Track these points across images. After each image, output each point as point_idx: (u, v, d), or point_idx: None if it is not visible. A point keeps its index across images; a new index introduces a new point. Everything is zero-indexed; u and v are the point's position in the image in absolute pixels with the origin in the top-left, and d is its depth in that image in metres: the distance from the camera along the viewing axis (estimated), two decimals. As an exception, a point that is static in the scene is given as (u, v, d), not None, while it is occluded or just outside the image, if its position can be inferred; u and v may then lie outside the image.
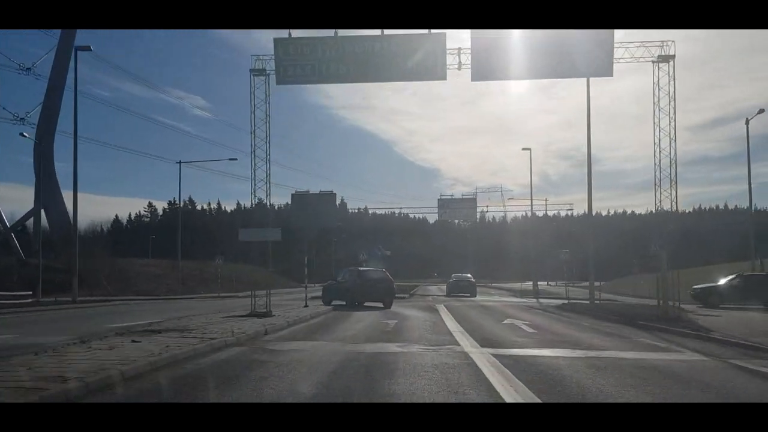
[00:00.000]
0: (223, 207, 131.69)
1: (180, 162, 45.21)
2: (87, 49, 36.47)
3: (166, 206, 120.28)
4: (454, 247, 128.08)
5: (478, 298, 39.35)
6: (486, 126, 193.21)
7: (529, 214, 54.60)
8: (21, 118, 63.25)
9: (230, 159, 48.72)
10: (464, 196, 60.27)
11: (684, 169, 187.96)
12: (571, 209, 75.73)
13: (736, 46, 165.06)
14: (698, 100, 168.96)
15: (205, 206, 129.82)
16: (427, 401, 7.30)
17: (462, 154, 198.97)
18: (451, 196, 59.48)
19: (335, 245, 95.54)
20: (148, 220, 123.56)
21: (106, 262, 51.26)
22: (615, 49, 21.37)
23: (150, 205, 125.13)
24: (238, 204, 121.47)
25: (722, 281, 30.14)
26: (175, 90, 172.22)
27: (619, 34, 21.77)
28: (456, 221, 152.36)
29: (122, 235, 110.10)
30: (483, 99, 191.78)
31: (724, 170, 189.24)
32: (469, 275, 47.89)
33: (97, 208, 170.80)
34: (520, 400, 7.34)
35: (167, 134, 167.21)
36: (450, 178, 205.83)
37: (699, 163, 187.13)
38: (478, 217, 65.82)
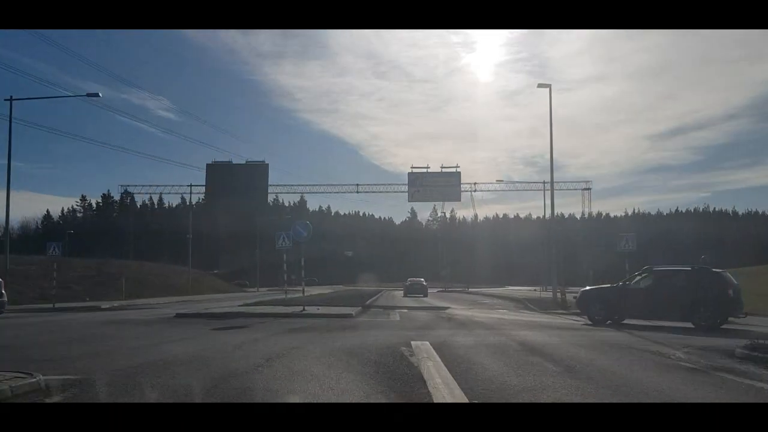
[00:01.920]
0: (166, 203, 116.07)
1: (11, 98, 29.95)
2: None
3: (99, 200, 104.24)
4: (422, 249, 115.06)
5: (470, 313, 23.98)
6: (450, 132, 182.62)
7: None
8: None
9: (90, 95, 30.50)
10: (444, 169, 43.81)
11: (643, 177, 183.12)
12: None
13: (691, 55, 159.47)
14: (656, 109, 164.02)
15: (147, 201, 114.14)
16: None
17: (427, 159, 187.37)
18: (427, 168, 43.24)
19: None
20: (81, 215, 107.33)
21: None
22: None
23: (83, 198, 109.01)
24: (183, 199, 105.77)
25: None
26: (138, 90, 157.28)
27: None
28: (427, 219, 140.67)
29: (53, 233, 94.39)
30: (448, 105, 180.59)
31: (681, 179, 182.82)
32: (422, 279, 48.82)
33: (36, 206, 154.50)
34: None
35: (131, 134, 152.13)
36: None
37: (658, 171, 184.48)
38: (475, 193, 47.52)
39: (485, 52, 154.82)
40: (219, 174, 39.45)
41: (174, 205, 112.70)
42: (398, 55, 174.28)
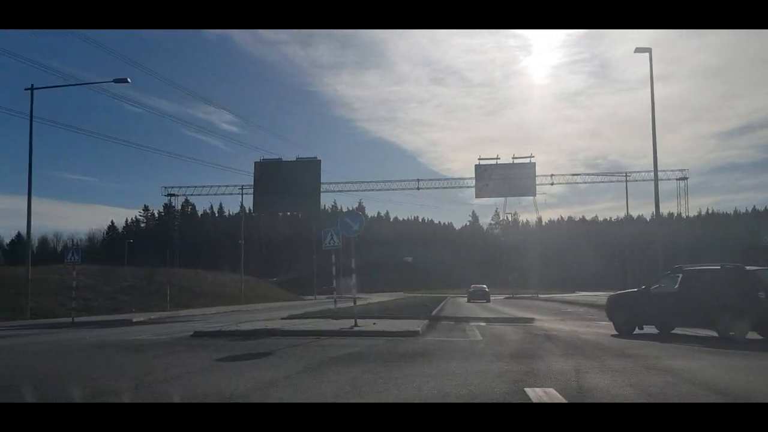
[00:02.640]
0: (227, 211, 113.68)
1: (32, 87, 26.19)
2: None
3: (161, 210, 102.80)
4: (484, 254, 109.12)
5: (568, 328, 18.40)
6: (508, 135, 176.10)
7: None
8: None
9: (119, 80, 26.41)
10: (516, 160, 37.81)
11: (710, 177, 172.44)
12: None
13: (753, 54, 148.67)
14: (721, 108, 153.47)
15: (208, 210, 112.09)
16: None
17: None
18: (497, 159, 36.98)
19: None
20: (144, 225, 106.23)
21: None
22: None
23: (146, 209, 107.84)
24: (242, 207, 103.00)
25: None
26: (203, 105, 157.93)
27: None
28: (489, 223, 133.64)
29: (116, 243, 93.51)
30: (506, 109, 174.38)
31: (750, 178, 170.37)
32: (484, 285, 49.82)
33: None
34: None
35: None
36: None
37: (725, 170, 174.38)
38: (537, 196, 40.33)
39: (543, 55, 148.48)
40: (268, 172, 35.21)
41: (233, 213, 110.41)
42: (455, 61, 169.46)
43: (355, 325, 15.55)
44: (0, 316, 26.34)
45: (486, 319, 21.59)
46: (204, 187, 43.12)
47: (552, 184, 40.56)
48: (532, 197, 41.89)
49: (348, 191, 41.78)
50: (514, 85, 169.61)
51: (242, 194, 40.15)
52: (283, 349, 11.48)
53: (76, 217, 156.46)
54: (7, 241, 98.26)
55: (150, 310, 37.23)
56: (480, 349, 11.70)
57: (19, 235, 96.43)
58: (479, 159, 36.12)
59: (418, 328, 15.32)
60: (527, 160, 36.59)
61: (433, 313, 23.76)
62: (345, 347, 11.73)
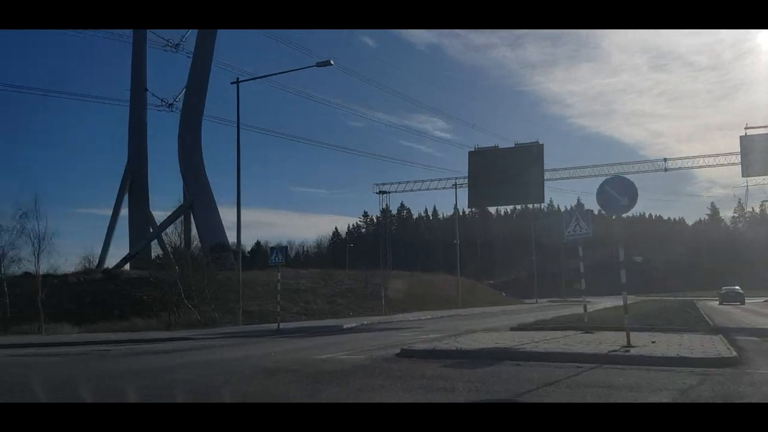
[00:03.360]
0: (441, 214, 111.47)
1: (237, 81, 24.10)
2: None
3: (378, 215, 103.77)
4: (726, 251, 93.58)
5: None
6: (743, 120, 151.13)
7: None
8: (169, 104, 49.26)
9: (321, 64, 23.27)
10: None
11: None
12: None
13: None
14: None
15: (422, 213, 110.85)
16: None
17: (717, 151, 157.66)
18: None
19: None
20: (364, 230, 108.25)
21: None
22: None
23: (365, 215, 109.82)
24: (456, 209, 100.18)
25: None
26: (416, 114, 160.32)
27: None
28: (731, 216, 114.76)
29: (338, 249, 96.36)
30: (739, 92, 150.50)
31: None
32: (737, 287, 47.36)
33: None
34: None
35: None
36: (705, 180, 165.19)
37: None
38: None
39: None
40: (484, 161, 30.79)
41: (447, 216, 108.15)
42: (678, 45, 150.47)
43: (628, 345, 10.24)
44: (216, 319, 25.24)
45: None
46: (416, 182, 40.13)
47: None
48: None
49: (575, 177, 35.50)
50: (748, 65, 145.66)
51: (456, 188, 36.26)
52: (531, 392, 6.83)
53: (306, 226, 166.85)
54: (248, 249, 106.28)
55: (365, 313, 34.88)
56: None
57: (258, 243, 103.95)
58: (746, 127, 27.97)
59: (733, 353, 9.62)
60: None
61: (714, 323, 17.32)
62: (638, 390, 6.72)
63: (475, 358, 9.73)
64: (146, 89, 48.10)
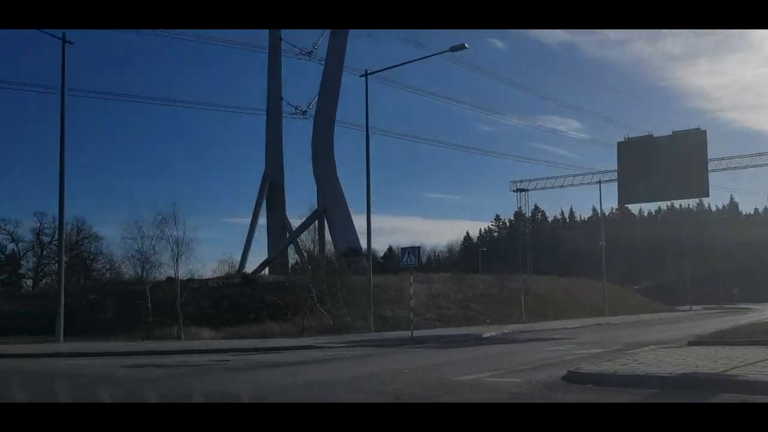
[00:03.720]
0: (577, 216, 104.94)
1: (366, 73, 22.42)
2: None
3: (512, 218, 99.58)
4: None
5: None
6: None
7: None
8: (303, 111, 49.54)
9: (455, 48, 21.06)
10: None
11: None
12: None
13: None
14: None
15: (558, 216, 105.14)
16: None
17: None
18: None
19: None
20: (496, 234, 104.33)
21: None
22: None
23: (497, 218, 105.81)
24: (594, 210, 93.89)
25: None
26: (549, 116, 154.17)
27: None
28: None
29: (470, 252, 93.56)
30: None
31: None
32: None
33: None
34: None
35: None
36: None
37: None
38: None
39: None
40: (636, 152, 27.36)
41: (585, 218, 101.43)
42: None
43: None
44: (349, 324, 23.95)
45: None
46: (556, 178, 36.89)
47: None
48: None
49: (729, 169, 30.67)
50: None
51: (599, 184, 32.73)
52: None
53: (437, 231, 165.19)
54: (380, 254, 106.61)
55: (503, 320, 32.25)
56: None
57: (390, 248, 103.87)
58: None
59: None
60: None
61: None
62: None
63: (679, 389, 7.15)
64: (281, 98, 48.72)
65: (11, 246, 34.42)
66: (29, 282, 34.85)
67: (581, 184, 35.70)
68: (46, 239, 33.37)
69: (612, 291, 49.96)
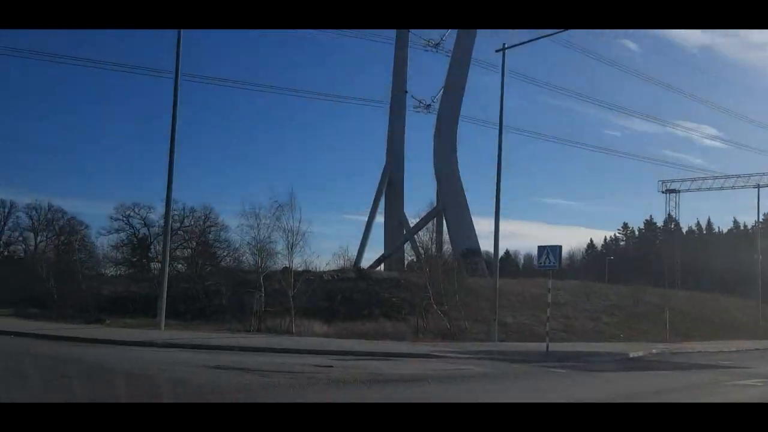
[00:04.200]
0: (716, 228, 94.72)
1: (503, 48, 19.72)
2: None
3: (642, 227, 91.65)
4: None
5: None
6: None
7: None
8: (427, 105, 47.62)
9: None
10: None
11: None
12: None
13: None
14: None
15: (694, 226, 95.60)
16: None
17: None
18: None
19: None
20: (623, 243, 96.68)
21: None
22: None
23: (625, 226, 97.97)
24: (735, 222, 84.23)
25: None
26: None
27: None
28: None
29: (595, 261, 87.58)
30: None
31: None
32: None
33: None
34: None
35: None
36: None
37: None
38: None
39: None
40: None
41: (724, 231, 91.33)
42: None
43: None
44: (466, 329, 21.53)
45: None
46: (715, 178, 32.11)
47: None
48: None
49: None
50: None
51: (758, 188, 27.88)
52: None
53: (557, 238, 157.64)
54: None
55: (639, 337, 28.37)
56: None
57: (507, 252, 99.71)
58: None
59: None
60: None
61: None
62: None
63: None
64: (406, 91, 47.06)
65: (143, 231, 35.20)
66: (158, 265, 35.33)
67: (729, 187, 30.90)
68: (175, 225, 33.68)
69: (764, 310, 43.67)
